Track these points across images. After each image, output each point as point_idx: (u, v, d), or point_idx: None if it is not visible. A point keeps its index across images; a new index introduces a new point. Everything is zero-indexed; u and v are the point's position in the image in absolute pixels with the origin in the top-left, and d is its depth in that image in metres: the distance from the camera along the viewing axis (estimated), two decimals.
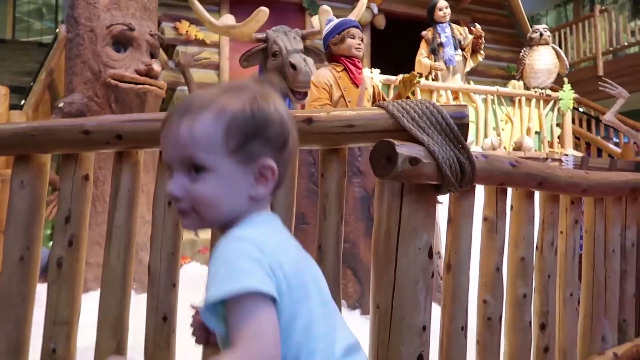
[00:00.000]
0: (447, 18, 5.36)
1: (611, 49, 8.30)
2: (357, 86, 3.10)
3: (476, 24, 5.51)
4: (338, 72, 3.12)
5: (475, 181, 1.25)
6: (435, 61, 5.33)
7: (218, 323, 0.69)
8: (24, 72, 8.77)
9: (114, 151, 1.44)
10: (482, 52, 5.47)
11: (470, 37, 5.37)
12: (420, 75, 4.68)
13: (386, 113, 1.22)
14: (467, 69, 5.51)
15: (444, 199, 1.50)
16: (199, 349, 1.20)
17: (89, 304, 1.51)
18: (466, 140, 1.21)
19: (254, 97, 0.75)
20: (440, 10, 5.34)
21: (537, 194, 1.64)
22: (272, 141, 0.75)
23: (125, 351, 1.39)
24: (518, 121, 5.69)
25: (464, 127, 1.20)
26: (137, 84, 3.20)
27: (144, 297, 1.39)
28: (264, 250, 0.69)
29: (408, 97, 3.22)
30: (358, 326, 1.29)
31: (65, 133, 1.38)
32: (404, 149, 1.11)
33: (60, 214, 1.43)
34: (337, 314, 0.78)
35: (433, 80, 5.33)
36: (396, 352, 1.21)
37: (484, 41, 5.40)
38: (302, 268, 0.74)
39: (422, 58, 5.33)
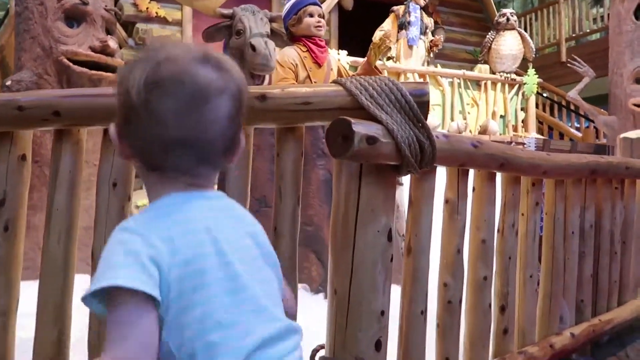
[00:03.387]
0: (422, 3, 5.41)
1: (574, 35, 8.45)
2: (319, 66, 3.02)
3: (438, 36, 5.63)
4: (303, 51, 3.03)
5: (435, 162, 1.21)
6: (399, 38, 5.34)
7: (96, 307, 0.65)
8: None
9: (54, 129, 1.33)
10: (431, 55, 5.60)
11: (431, 37, 5.53)
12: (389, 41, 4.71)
13: (344, 90, 1.16)
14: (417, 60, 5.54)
15: (405, 181, 1.47)
16: None
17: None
18: (426, 119, 1.17)
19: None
20: None
21: (498, 176, 1.62)
22: (118, 111, 0.70)
23: (67, 342, 1.30)
24: (484, 105, 5.74)
25: (424, 105, 1.16)
26: (91, 68, 3.02)
27: None
28: (148, 241, 0.64)
29: (376, 68, 3.15)
30: (322, 310, 1.25)
31: None
32: (361, 127, 1.06)
33: None
34: (257, 302, 0.70)
35: (392, 58, 5.32)
36: (354, 338, 1.17)
37: (436, 50, 5.57)
38: (203, 253, 0.67)
39: (379, 30, 5.35)
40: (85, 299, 0.64)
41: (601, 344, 2.21)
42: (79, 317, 1.34)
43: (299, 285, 1.84)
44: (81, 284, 1.45)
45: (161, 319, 0.64)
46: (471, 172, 1.52)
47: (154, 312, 0.63)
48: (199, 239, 0.68)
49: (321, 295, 2.59)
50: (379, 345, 1.19)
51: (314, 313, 1.92)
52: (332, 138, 1.07)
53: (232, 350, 0.66)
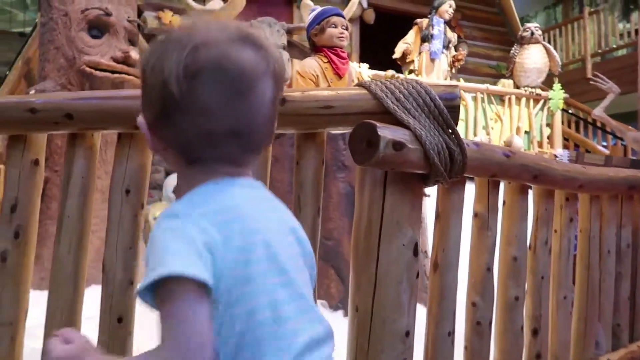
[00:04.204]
0: (447, 18, 5.40)
1: (599, 51, 8.29)
2: (340, 77, 2.98)
3: (463, 51, 5.59)
4: (324, 62, 3.00)
5: (466, 171, 1.13)
6: (421, 51, 5.31)
7: (151, 301, 0.60)
8: (2, 62, 8.53)
9: (67, 133, 1.29)
10: (453, 70, 5.56)
11: (454, 52, 5.50)
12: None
13: (368, 93, 1.10)
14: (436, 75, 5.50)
15: (431, 192, 1.38)
16: None
17: None
18: (457, 124, 1.09)
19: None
20: (447, 8, 5.38)
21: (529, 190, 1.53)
22: (150, 105, 0.65)
23: None
24: (508, 120, 5.62)
25: (454, 110, 1.08)
26: (113, 72, 3.05)
27: None
28: (200, 226, 0.59)
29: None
30: (340, 328, 1.17)
31: (11, 111, 1.23)
32: (387, 132, 0.99)
33: (5, 202, 1.28)
34: (306, 301, 0.65)
35: (414, 72, 5.27)
36: None
37: (459, 65, 5.54)
38: (254, 243, 0.62)
39: (402, 42, 5.32)
40: (141, 293, 0.58)
41: None
42: (90, 328, 1.28)
43: (318, 302, 1.76)
44: (92, 294, 1.41)
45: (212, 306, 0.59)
46: (502, 184, 1.43)
47: (209, 302, 0.58)
48: (249, 227, 0.62)
49: (340, 312, 2.50)
50: None
51: (333, 331, 1.84)
52: (356, 143, 1.00)
53: (283, 348, 0.60)
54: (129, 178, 1.25)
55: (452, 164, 1.08)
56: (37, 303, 1.36)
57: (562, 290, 1.68)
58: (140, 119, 0.67)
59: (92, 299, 1.35)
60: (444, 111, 1.06)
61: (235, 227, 0.61)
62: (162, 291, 0.57)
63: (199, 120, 0.62)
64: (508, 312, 1.47)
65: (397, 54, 5.24)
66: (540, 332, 1.57)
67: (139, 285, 0.58)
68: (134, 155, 1.25)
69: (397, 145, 0.99)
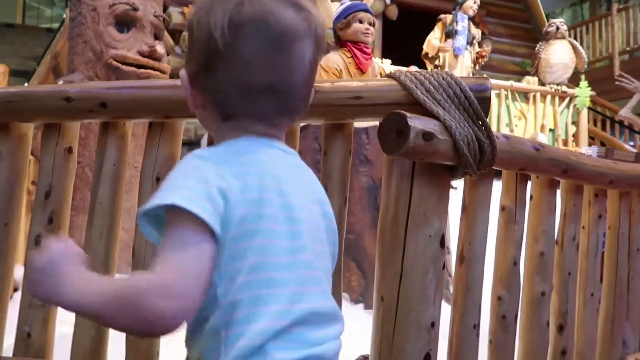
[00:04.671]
0: (471, 14, 5.34)
1: (628, 48, 8.09)
2: (362, 72, 2.98)
3: (486, 47, 5.51)
4: (348, 57, 3.00)
5: (494, 163, 1.12)
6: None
7: (150, 232, 0.60)
8: (31, 56, 8.74)
9: (100, 122, 1.32)
10: (477, 67, 5.53)
11: (478, 48, 5.42)
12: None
13: (398, 84, 1.10)
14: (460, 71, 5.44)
15: (458, 185, 1.38)
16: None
17: None
18: (487, 116, 1.08)
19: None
20: (472, 4, 5.33)
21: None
22: (194, 57, 0.66)
23: (106, 338, 1.28)
24: (532, 118, 5.54)
25: (485, 102, 1.08)
26: (139, 66, 3.10)
27: None
28: (220, 172, 0.59)
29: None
30: (361, 321, 1.18)
31: (46, 100, 1.27)
32: (417, 122, 0.99)
33: (40, 188, 1.32)
34: (314, 272, 0.63)
35: (439, 67, 5.22)
36: (401, 350, 1.09)
37: (482, 62, 5.47)
38: (270, 199, 0.61)
39: (433, 39, 5.25)
40: (140, 219, 0.59)
41: None
42: None
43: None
44: None
45: (214, 258, 0.58)
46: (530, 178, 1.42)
47: (210, 244, 0.57)
48: (269, 184, 0.62)
49: (361, 305, 2.51)
50: (429, 359, 1.10)
51: (354, 324, 1.84)
52: (386, 133, 1.00)
53: (278, 312, 0.59)
54: (159, 166, 1.27)
55: (481, 156, 1.07)
56: None
57: (590, 287, 1.65)
58: (183, 72, 0.68)
59: None
60: (475, 102, 1.05)
61: (255, 180, 0.61)
62: (166, 220, 0.57)
63: (239, 72, 0.63)
64: (534, 307, 1.45)
65: (430, 51, 5.19)
66: (566, 329, 1.55)
67: (144, 205, 0.58)
68: (164, 143, 1.27)
69: (427, 136, 0.99)
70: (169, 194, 0.57)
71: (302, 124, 2.79)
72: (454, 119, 1.04)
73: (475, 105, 1.06)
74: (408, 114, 0.99)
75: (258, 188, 0.61)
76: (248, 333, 0.57)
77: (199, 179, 0.58)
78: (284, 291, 0.60)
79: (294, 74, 0.65)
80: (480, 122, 1.07)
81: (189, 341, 0.62)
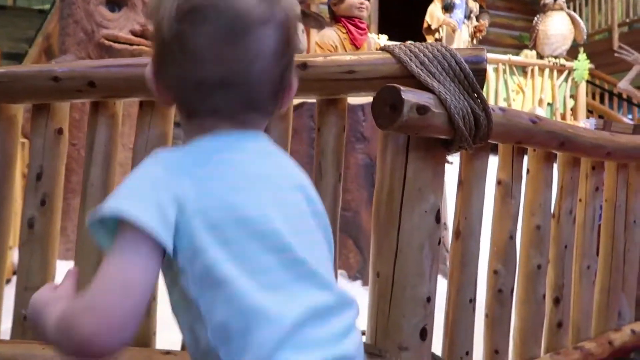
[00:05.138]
0: None
1: (627, 20, 7.97)
2: (357, 48, 2.94)
3: (483, 21, 5.40)
4: (343, 33, 2.95)
5: (490, 137, 1.11)
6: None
7: (102, 239, 0.55)
8: (23, 38, 8.59)
9: (89, 101, 1.30)
10: (474, 41, 5.45)
11: (475, 22, 5.31)
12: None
13: (391, 57, 1.07)
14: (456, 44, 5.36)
15: (454, 160, 1.36)
16: None
17: None
18: (482, 88, 1.06)
19: None
20: None
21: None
22: (156, 45, 0.60)
23: None
24: (530, 92, 5.50)
25: (480, 74, 1.06)
26: (131, 44, 3.06)
27: None
28: (177, 176, 0.55)
29: None
30: (359, 297, 1.17)
31: (34, 80, 1.24)
32: (411, 96, 0.97)
33: (31, 170, 1.30)
34: (305, 266, 0.58)
35: (439, 41, 5.16)
36: (397, 324, 1.09)
37: (480, 36, 5.36)
38: (240, 202, 0.56)
39: (437, 10, 5.16)
40: (90, 225, 0.54)
41: None
42: None
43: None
44: None
45: (184, 270, 0.54)
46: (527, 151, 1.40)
47: (156, 257, 0.52)
48: (238, 184, 0.57)
49: (358, 282, 2.52)
50: (424, 334, 1.11)
51: None
52: (379, 107, 0.98)
53: (275, 318, 0.53)
54: (152, 146, 1.25)
55: (476, 129, 1.06)
56: (63, 273, 1.39)
57: (586, 260, 1.66)
58: (147, 69, 0.63)
59: None
60: (470, 75, 1.04)
61: (221, 184, 0.56)
62: (117, 229, 0.53)
63: (188, 66, 0.58)
64: (530, 281, 1.46)
65: (435, 23, 5.09)
66: (562, 301, 1.56)
67: (89, 217, 0.54)
68: (155, 122, 1.25)
69: (421, 109, 0.97)
70: (118, 201, 0.53)
71: (296, 102, 2.74)
72: (448, 92, 1.02)
73: (471, 78, 1.04)
74: (402, 88, 0.97)
75: (223, 192, 0.56)
76: (251, 347, 0.53)
77: (153, 185, 0.54)
78: (277, 296, 0.55)
79: (252, 66, 0.58)
80: (475, 95, 1.05)
81: (193, 356, 0.58)
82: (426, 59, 1.05)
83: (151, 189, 0.54)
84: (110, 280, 0.51)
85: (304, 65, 1.10)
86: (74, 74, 1.21)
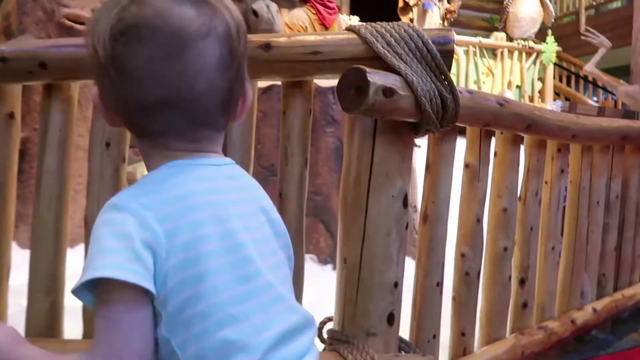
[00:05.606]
0: None
1: (594, 3, 8.11)
2: (326, 28, 2.90)
3: (454, 3, 5.39)
4: (312, 13, 2.90)
5: (458, 120, 1.09)
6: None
7: (90, 300, 0.55)
8: None
9: (42, 84, 1.23)
10: (446, 23, 5.45)
11: (446, 4, 5.30)
12: None
13: (357, 37, 1.04)
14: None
15: (422, 143, 1.35)
16: None
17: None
18: (450, 70, 1.04)
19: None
20: None
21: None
22: (95, 67, 0.58)
23: (61, 312, 1.23)
24: (499, 74, 5.55)
25: (448, 55, 1.03)
26: None
27: None
28: (141, 221, 0.54)
29: None
30: (330, 282, 1.17)
31: None
32: (377, 78, 0.94)
33: None
34: (274, 291, 0.60)
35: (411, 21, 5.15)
36: (365, 311, 1.08)
37: (451, 18, 5.36)
38: (206, 235, 0.56)
39: None
40: (76, 292, 0.54)
41: (621, 320, 2.12)
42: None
43: (307, 256, 1.76)
44: (80, 253, 1.39)
45: (158, 312, 0.54)
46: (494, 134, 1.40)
47: (148, 307, 0.54)
48: (202, 217, 0.57)
49: (329, 266, 2.52)
50: (392, 319, 1.10)
51: (322, 284, 1.84)
52: (345, 90, 0.96)
53: (249, 347, 0.55)
54: (109, 130, 1.20)
55: (444, 112, 1.04)
56: (25, 261, 1.34)
57: (551, 241, 1.68)
58: (93, 90, 0.61)
59: (81, 257, 1.33)
60: (437, 56, 1.01)
61: (185, 218, 0.56)
62: (98, 291, 0.54)
63: (127, 88, 0.56)
64: (497, 263, 1.47)
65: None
66: (527, 282, 1.58)
67: (74, 285, 0.54)
68: None
69: (388, 92, 0.95)
70: (93, 264, 0.53)
71: (265, 85, 2.69)
72: (415, 74, 1.00)
73: (438, 59, 1.02)
74: (367, 69, 0.94)
75: (190, 226, 0.56)
76: None
77: (120, 237, 0.53)
78: (250, 323, 0.56)
79: (195, 83, 0.56)
80: (443, 77, 1.03)
81: None
82: (392, 40, 1.02)
83: (123, 240, 0.53)
84: (128, 345, 0.52)
85: (267, 46, 1.06)
86: (23, 55, 1.14)
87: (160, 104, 0.56)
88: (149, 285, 0.52)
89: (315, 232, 2.53)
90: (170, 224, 0.54)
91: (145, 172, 0.62)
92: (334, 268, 2.46)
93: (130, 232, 0.53)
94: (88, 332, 1.19)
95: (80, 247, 1.76)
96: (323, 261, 2.53)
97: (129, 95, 0.56)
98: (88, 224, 1.20)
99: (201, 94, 0.57)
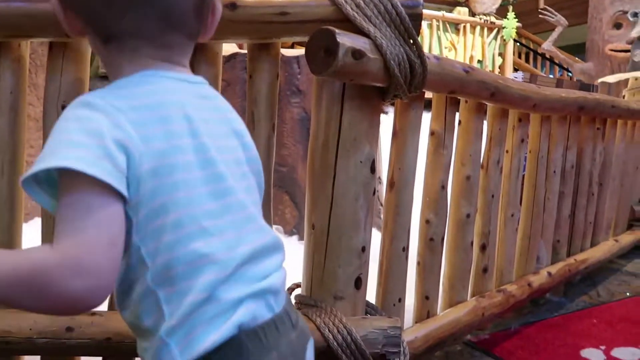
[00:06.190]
0: None
1: None
2: None
3: None
4: None
5: (425, 85, 1.10)
6: None
7: (41, 198, 0.51)
8: None
9: None
10: None
11: None
12: None
13: None
14: None
15: (389, 110, 1.35)
16: None
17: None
18: (418, 34, 1.04)
19: None
20: None
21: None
22: None
23: None
24: (462, 49, 5.61)
25: (416, 19, 1.03)
26: None
27: None
28: (114, 121, 0.51)
29: None
30: (295, 252, 1.17)
31: None
32: (347, 39, 0.93)
33: None
34: (245, 210, 0.59)
35: None
36: (333, 275, 1.09)
37: None
38: (182, 146, 0.54)
39: None
40: (25, 182, 0.49)
41: (574, 283, 2.23)
42: None
43: (273, 227, 1.75)
44: (35, 227, 1.33)
45: (129, 218, 0.52)
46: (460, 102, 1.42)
47: (119, 206, 0.50)
48: (177, 128, 0.55)
49: (295, 237, 2.53)
50: (359, 283, 1.12)
51: (289, 255, 1.85)
52: (313, 52, 0.94)
53: (220, 262, 0.54)
54: (65, 93, 1.14)
55: (412, 77, 1.04)
56: None
57: (511, 209, 1.74)
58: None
59: (36, 230, 1.28)
60: (406, 19, 1.00)
61: (160, 127, 0.54)
62: (60, 185, 0.49)
63: None
64: (460, 229, 1.51)
65: None
66: (488, 248, 1.63)
67: (25, 174, 0.49)
68: (68, 67, 1.13)
69: (357, 54, 0.93)
70: (57, 153, 0.48)
71: (228, 52, 2.61)
72: (384, 37, 0.99)
73: (407, 23, 1.01)
74: (337, 30, 0.92)
75: (165, 135, 0.54)
76: (194, 288, 0.53)
77: (91, 133, 0.49)
78: (222, 238, 0.56)
79: None
80: (411, 41, 1.03)
81: (120, 305, 0.57)
82: (362, 2, 1.00)
83: (93, 136, 0.49)
84: (94, 238, 0.48)
85: (233, 5, 1.02)
86: None
87: None
88: (120, 186, 0.49)
89: (281, 204, 2.53)
90: (144, 130, 0.52)
91: None
92: (300, 239, 2.48)
93: (102, 130, 0.49)
94: None
95: (35, 221, 1.69)
96: (289, 232, 2.53)
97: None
98: None
99: None
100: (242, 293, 0.56)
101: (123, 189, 0.50)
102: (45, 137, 1.16)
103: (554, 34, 5.12)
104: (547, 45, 5.14)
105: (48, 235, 1.16)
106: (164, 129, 0.54)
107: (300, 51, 2.74)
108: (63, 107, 1.14)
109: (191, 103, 0.58)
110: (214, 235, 0.55)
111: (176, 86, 0.58)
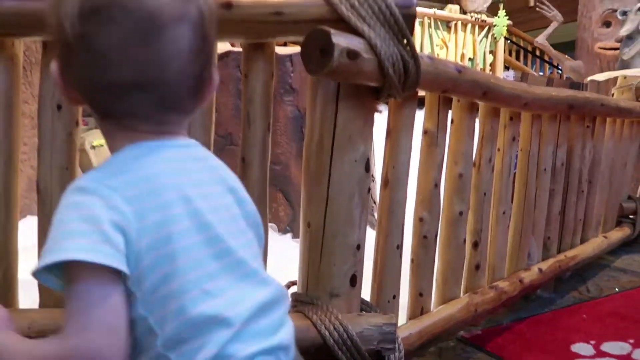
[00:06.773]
0: None
1: None
2: None
3: None
4: None
5: (419, 85, 1.11)
6: None
7: (53, 282, 0.54)
8: None
9: None
10: None
11: None
12: None
13: None
14: None
15: (383, 109, 1.36)
16: None
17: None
18: (412, 34, 1.05)
19: None
20: None
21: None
22: (59, 44, 0.57)
23: (14, 282, 1.18)
24: (453, 47, 5.64)
25: (410, 19, 1.04)
26: None
27: None
28: (109, 203, 0.53)
29: None
30: (289, 250, 1.18)
31: None
32: (342, 40, 0.94)
33: None
34: (246, 266, 0.61)
35: None
36: (328, 273, 1.11)
37: None
38: (174, 215, 0.56)
39: None
40: (36, 274, 0.52)
41: (564, 279, 2.27)
42: (26, 257, 1.22)
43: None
44: (28, 224, 1.33)
45: (132, 292, 0.54)
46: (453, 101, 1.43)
47: (120, 287, 0.53)
48: (170, 197, 0.57)
49: (289, 235, 2.54)
50: (354, 280, 1.13)
51: (282, 253, 1.86)
52: (309, 52, 0.95)
53: (226, 319, 0.56)
54: (59, 92, 1.14)
55: (406, 76, 1.05)
56: None
57: (502, 206, 1.76)
58: (53, 66, 0.59)
59: (29, 229, 1.28)
60: (400, 19, 1.02)
61: (153, 199, 0.55)
62: (65, 274, 0.52)
63: (96, 68, 0.55)
64: (452, 226, 1.53)
65: None
66: (480, 245, 1.65)
67: (35, 266, 0.52)
68: None
69: (352, 54, 0.95)
70: (60, 245, 0.51)
71: (222, 51, 2.60)
72: (379, 37, 1.00)
73: (401, 23, 1.02)
74: (332, 31, 0.93)
75: (158, 207, 0.55)
76: (205, 347, 0.55)
77: (88, 219, 0.52)
78: (225, 298, 0.57)
79: (168, 67, 0.56)
80: (405, 41, 1.04)
81: None
82: (356, 2, 1.01)
83: (90, 222, 0.52)
84: (105, 324, 0.51)
85: (228, 5, 1.03)
86: None
87: (129, 87, 0.56)
88: (120, 265, 0.52)
89: (275, 202, 2.53)
90: (138, 205, 0.54)
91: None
92: (294, 236, 2.49)
93: (98, 214, 0.52)
94: (44, 302, 1.15)
95: (27, 219, 1.68)
96: (282, 230, 2.54)
97: (97, 76, 0.55)
98: (40, 192, 1.15)
99: (172, 79, 0.57)
100: (254, 349, 0.57)
101: (124, 267, 0.52)
102: (40, 135, 1.16)
103: (549, 29, 5.17)
104: (541, 39, 5.19)
105: (44, 234, 1.16)
106: (157, 202, 0.55)
107: (293, 49, 2.74)
108: (58, 107, 1.14)
109: (182, 170, 0.60)
110: (217, 296, 0.56)
111: (167, 155, 0.59)
